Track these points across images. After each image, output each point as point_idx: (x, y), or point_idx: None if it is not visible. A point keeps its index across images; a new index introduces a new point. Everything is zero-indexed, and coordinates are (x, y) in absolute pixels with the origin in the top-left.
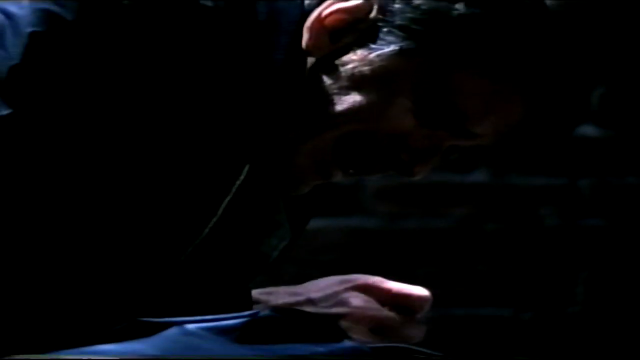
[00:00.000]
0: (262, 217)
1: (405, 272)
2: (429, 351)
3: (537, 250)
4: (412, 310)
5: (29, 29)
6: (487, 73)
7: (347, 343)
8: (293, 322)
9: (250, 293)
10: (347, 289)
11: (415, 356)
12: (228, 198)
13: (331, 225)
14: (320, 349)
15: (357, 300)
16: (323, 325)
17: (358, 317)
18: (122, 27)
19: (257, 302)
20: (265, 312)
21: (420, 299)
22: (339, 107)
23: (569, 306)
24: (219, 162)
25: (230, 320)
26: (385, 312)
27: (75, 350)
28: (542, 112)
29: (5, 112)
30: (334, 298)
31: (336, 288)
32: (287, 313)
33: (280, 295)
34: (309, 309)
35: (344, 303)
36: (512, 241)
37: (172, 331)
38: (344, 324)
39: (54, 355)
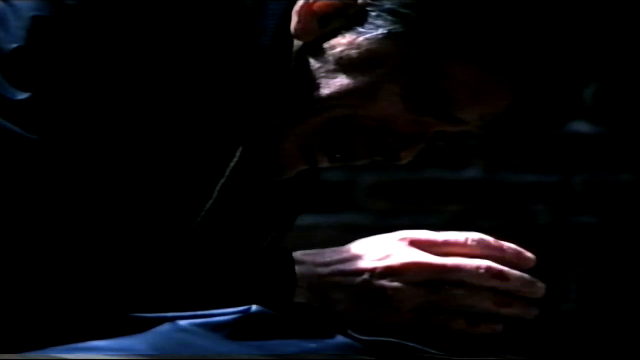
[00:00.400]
0: (251, 206)
1: None
2: (420, 346)
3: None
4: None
5: (32, 13)
6: (475, 59)
7: (339, 338)
8: (285, 318)
9: (289, 254)
10: (392, 242)
11: (406, 351)
12: (222, 180)
13: (324, 221)
14: (312, 344)
15: (400, 250)
16: (316, 320)
17: (407, 266)
18: (118, 13)
19: (302, 262)
20: (257, 308)
21: (468, 241)
22: (326, 91)
23: (562, 303)
24: (212, 145)
25: (222, 317)
26: (435, 259)
27: (68, 346)
28: (529, 100)
29: (21, 96)
30: (379, 252)
31: (381, 242)
32: (280, 309)
33: (327, 253)
34: (356, 264)
35: (387, 255)
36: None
37: (165, 327)
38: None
39: (49, 354)
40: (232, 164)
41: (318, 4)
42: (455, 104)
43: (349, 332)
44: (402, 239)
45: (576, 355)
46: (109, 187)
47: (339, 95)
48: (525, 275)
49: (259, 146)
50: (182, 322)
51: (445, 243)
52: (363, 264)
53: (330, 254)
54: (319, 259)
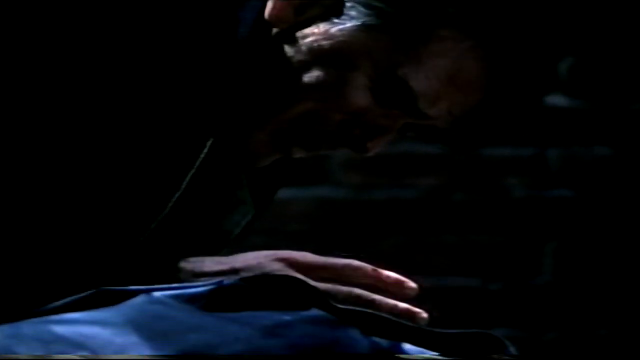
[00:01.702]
0: (224, 193)
1: (372, 242)
2: (395, 319)
3: (505, 221)
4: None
5: None
6: (443, 55)
7: (314, 311)
8: (260, 290)
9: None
10: (272, 260)
11: (382, 322)
12: (191, 172)
13: (299, 195)
14: (287, 317)
15: (278, 270)
16: (291, 292)
17: None
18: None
19: (181, 270)
20: (231, 280)
21: (345, 266)
22: (299, 82)
23: (537, 277)
24: (182, 136)
25: (196, 288)
26: (316, 284)
27: (42, 319)
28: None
29: None
30: (257, 269)
31: (261, 260)
32: (254, 280)
33: (206, 264)
34: (232, 278)
35: (264, 273)
36: (480, 212)
37: (139, 299)
38: None
39: (51, 355)
40: (202, 156)
41: None
42: (419, 99)
43: (326, 300)
44: (282, 259)
45: (551, 328)
46: (74, 175)
47: (311, 87)
48: (399, 305)
49: (231, 137)
50: (157, 294)
51: (323, 267)
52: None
53: (210, 264)
54: (198, 269)
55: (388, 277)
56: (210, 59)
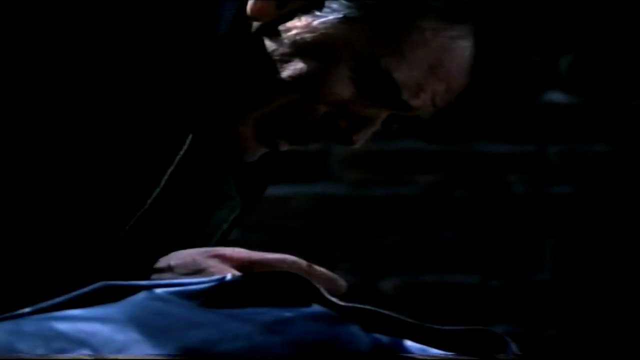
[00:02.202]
0: (209, 189)
1: (372, 239)
2: (396, 315)
3: (505, 218)
4: None
5: None
6: (425, 46)
7: (315, 307)
8: (261, 286)
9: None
10: (207, 257)
11: (384, 319)
12: (171, 169)
13: (299, 192)
14: (288, 313)
15: (213, 266)
16: (292, 289)
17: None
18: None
19: None
20: (233, 276)
21: (280, 262)
22: (282, 75)
23: (537, 273)
24: (161, 132)
25: (198, 285)
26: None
27: (43, 315)
28: (481, 89)
29: None
30: (192, 265)
31: (196, 257)
32: (255, 277)
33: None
34: (168, 275)
35: (200, 270)
36: (480, 209)
37: (141, 296)
38: None
39: (50, 355)
40: (181, 153)
41: None
42: (402, 90)
43: (328, 297)
44: (216, 256)
45: (551, 325)
46: (51, 172)
47: (294, 80)
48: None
49: (213, 133)
50: (158, 291)
51: (257, 262)
52: (173, 278)
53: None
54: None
55: (322, 273)
56: (190, 55)
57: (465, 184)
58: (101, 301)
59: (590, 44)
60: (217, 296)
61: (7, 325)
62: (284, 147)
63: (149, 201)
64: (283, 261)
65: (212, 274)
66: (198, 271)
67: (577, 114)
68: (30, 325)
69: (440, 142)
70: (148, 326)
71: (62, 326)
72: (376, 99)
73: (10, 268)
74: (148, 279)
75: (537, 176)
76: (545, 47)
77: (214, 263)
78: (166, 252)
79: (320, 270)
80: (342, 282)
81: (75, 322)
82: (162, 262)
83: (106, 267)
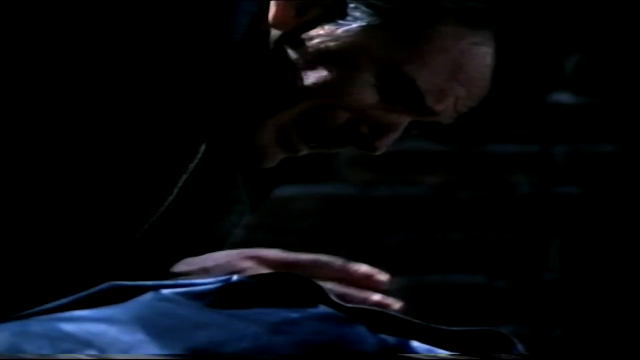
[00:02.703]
0: (220, 194)
1: (378, 239)
2: (403, 315)
3: (510, 218)
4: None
5: None
6: (446, 52)
7: (321, 308)
8: (267, 287)
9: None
10: (242, 259)
11: (390, 320)
12: (184, 177)
13: (305, 192)
14: (294, 314)
15: (249, 268)
16: (299, 290)
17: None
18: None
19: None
20: (239, 277)
21: (313, 262)
22: (305, 82)
23: (543, 274)
24: (176, 141)
25: (204, 285)
26: None
27: (50, 316)
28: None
29: None
30: (227, 267)
31: (231, 258)
32: (261, 277)
33: (177, 265)
34: (202, 277)
35: (235, 271)
36: (486, 209)
37: (147, 297)
38: None
39: (49, 355)
40: (195, 161)
41: None
42: (426, 96)
43: (334, 299)
44: (252, 257)
45: (557, 325)
46: (66, 177)
47: (317, 87)
48: (370, 297)
49: (229, 140)
50: (165, 291)
51: (293, 264)
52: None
53: (180, 265)
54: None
55: (356, 271)
56: (205, 63)
57: (471, 184)
58: (108, 302)
59: (596, 45)
60: (223, 297)
61: (14, 326)
62: (304, 153)
63: (161, 208)
64: (317, 262)
65: (244, 273)
66: (234, 273)
67: (583, 114)
68: (36, 326)
69: (448, 144)
70: (154, 327)
71: (69, 327)
72: (399, 105)
73: (23, 269)
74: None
75: (542, 176)
76: (550, 47)
77: (250, 265)
78: (177, 258)
79: (355, 268)
80: (380, 277)
81: (82, 323)
82: (195, 264)
83: (119, 272)
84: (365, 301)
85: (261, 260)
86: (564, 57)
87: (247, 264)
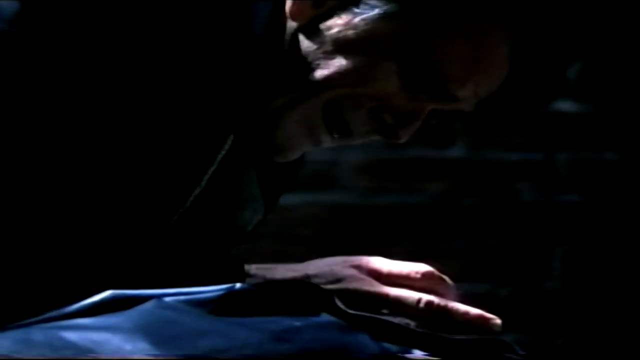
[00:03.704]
0: (236, 190)
1: (382, 247)
2: (406, 324)
3: (514, 226)
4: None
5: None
6: (468, 36)
7: (324, 317)
8: (270, 295)
9: (242, 265)
10: (345, 267)
11: (393, 328)
12: (212, 168)
13: (309, 200)
14: (297, 322)
15: (351, 276)
16: (302, 297)
17: (352, 293)
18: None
19: (253, 276)
20: (242, 284)
21: (418, 275)
22: (325, 72)
23: (546, 282)
24: (203, 133)
25: (207, 293)
26: (380, 288)
27: (53, 324)
28: (521, 78)
29: None
30: (330, 275)
31: (334, 266)
32: (264, 285)
33: (279, 270)
34: None
35: (338, 279)
36: (489, 217)
37: (150, 304)
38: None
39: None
40: (223, 152)
41: None
42: (449, 82)
43: (338, 303)
44: (355, 266)
45: (560, 333)
46: (97, 171)
47: (338, 76)
48: (472, 311)
49: (254, 132)
50: (167, 299)
51: (396, 274)
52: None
53: (282, 271)
54: (270, 275)
55: (449, 284)
56: (228, 55)
57: (474, 192)
58: (110, 310)
59: (599, 53)
60: (226, 304)
61: (15, 334)
62: (327, 144)
63: (190, 199)
64: (417, 271)
65: (351, 283)
66: (337, 280)
67: (586, 122)
68: (38, 334)
69: (450, 150)
70: (157, 335)
71: (71, 335)
72: (422, 92)
73: (57, 266)
74: (189, 278)
75: (546, 184)
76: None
77: (353, 273)
78: (203, 250)
79: (449, 281)
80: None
81: (84, 332)
82: (298, 271)
83: (149, 265)
84: (466, 315)
85: (362, 269)
86: (567, 65)
87: (350, 272)
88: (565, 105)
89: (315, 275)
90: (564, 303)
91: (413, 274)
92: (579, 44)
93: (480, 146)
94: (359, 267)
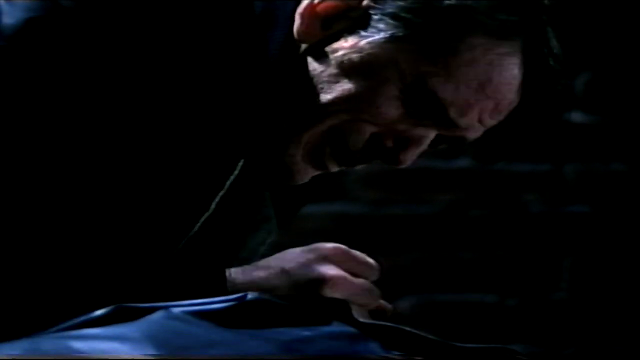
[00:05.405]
0: (250, 212)
1: (390, 258)
2: (418, 332)
3: (521, 237)
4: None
5: (27, 15)
6: (474, 63)
7: (334, 326)
8: (281, 305)
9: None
10: (318, 259)
11: (405, 336)
12: (221, 193)
13: (316, 211)
14: (307, 332)
15: (333, 270)
16: (313, 307)
17: (342, 287)
18: (120, 20)
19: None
20: (251, 295)
21: (374, 268)
22: (329, 96)
23: (554, 292)
24: (214, 157)
25: (216, 304)
26: (361, 281)
27: (61, 334)
28: (527, 106)
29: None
30: (308, 268)
31: (307, 257)
32: (274, 297)
33: (247, 271)
34: (284, 279)
35: (320, 273)
36: (497, 227)
37: (158, 315)
38: (329, 292)
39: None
40: (232, 177)
41: (321, 5)
42: (450, 110)
43: (354, 316)
44: (323, 256)
45: (568, 344)
46: (106, 193)
47: (341, 101)
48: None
49: (263, 157)
50: (175, 310)
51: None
52: (287, 279)
53: (250, 270)
54: (240, 277)
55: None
56: (242, 79)
57: (482, 203)
58: (119, 321)
59: (607, 63)
60: (235, 315)
61: (24, 344)
62: (333, 169)
63: (198, 224)
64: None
65: (337, 278)
66: (316, 274)
67: (594, 133)
68: (47, 344)
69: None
70: (166, 345)
71: (80, 345)
72: (424, 119)
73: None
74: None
75: (554, 195)
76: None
77: (330, 266)
78: (209, 274)
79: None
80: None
81: (93, 341)
82: (273, 267)
83: (155, 287)
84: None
85: (329, 260)
86: (575, 76)
87: (329, 268)
88: (573, 116)
89: (292, 269)
90: (572, 314)
91: (373, 266)
92: (583, 56)
93: (488, 157)
94: (329, 259)
